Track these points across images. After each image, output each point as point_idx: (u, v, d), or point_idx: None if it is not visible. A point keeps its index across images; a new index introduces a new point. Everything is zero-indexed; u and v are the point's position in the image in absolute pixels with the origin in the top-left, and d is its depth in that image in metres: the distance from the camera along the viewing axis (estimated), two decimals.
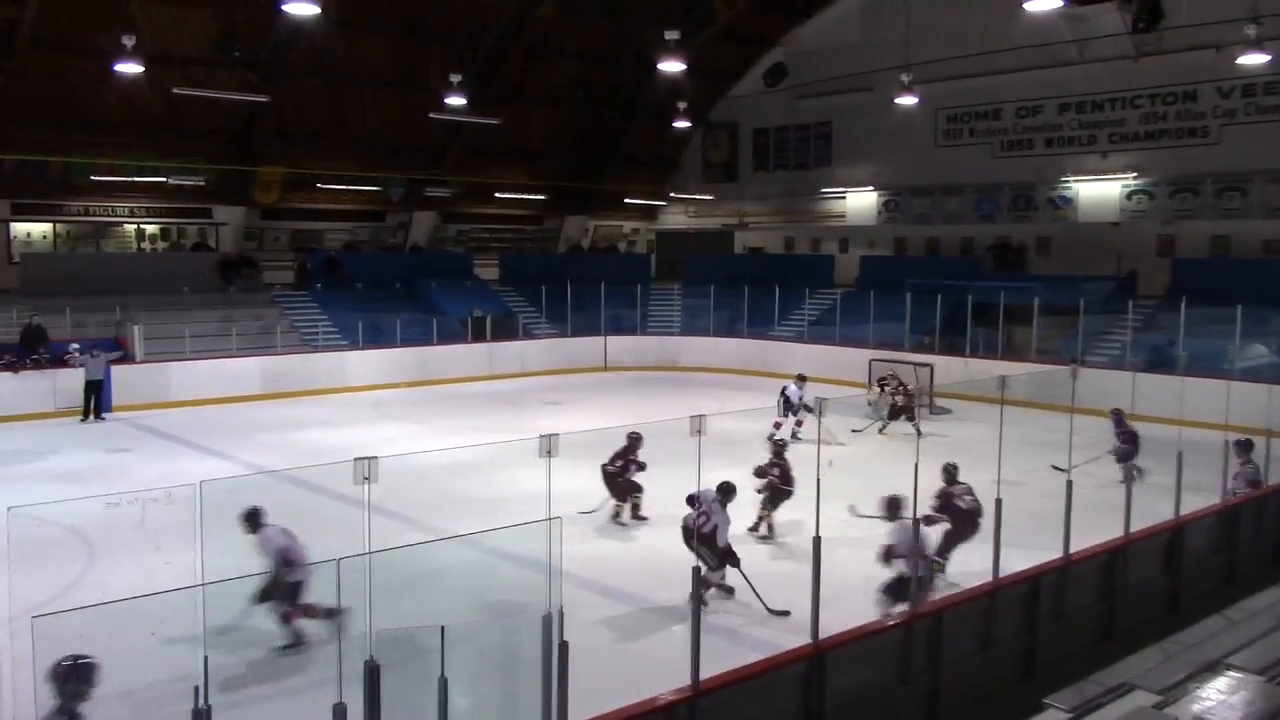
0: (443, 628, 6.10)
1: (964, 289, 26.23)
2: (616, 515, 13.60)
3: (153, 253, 31.34)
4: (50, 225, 30.11)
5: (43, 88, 25.67)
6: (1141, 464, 10.85)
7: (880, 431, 19.74)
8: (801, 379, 19.76)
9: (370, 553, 6.38)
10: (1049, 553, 9.65)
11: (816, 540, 7.44)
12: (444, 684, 5.95)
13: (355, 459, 6.24)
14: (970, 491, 10.89)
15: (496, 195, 35.27)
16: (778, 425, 18.60)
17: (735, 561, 10.12)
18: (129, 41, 20.95)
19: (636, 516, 13.63)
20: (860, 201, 33.21)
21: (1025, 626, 8.98)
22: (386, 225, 35.22)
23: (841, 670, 7.42)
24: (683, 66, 23.32)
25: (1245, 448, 12.44)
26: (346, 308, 27.91)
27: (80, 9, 24.13)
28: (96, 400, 21.06)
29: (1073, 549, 9.40)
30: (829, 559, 7.61)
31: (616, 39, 31.75)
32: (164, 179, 28.72)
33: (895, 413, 20.05)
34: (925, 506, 10.35)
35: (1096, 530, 9.99)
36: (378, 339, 26.84)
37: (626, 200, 38.16)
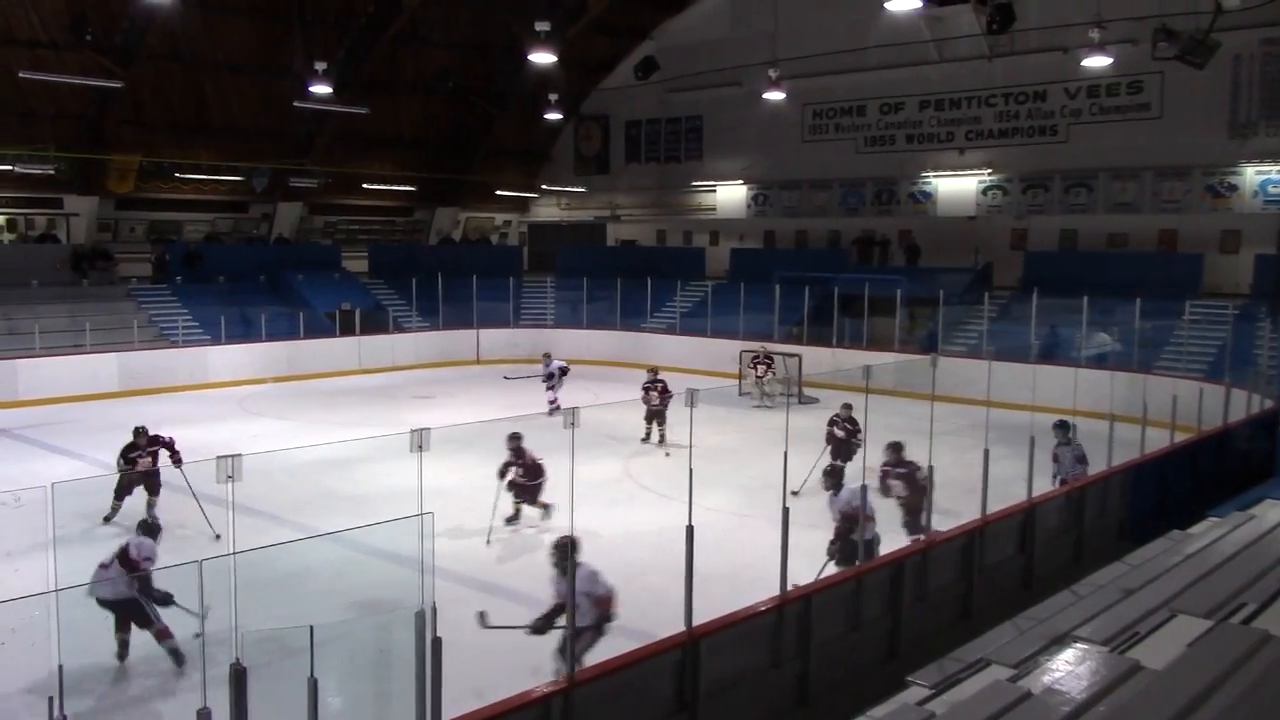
0: (311, 627, 5.98)
1: (830, 281, 26.91)
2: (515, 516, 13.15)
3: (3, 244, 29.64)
4: None
5: None
6: (997, 448, 11.30)
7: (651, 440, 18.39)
8: (548, 356, 21.79)
9: (235, 553, 6.21)
10: (912, 535, 10.02)
11: (690, 530, 7.55)
12: (314, 684, 5.84)
13: (218, 457, 6.06)
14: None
15: (364, 186, 34.53)
16: (552, 403, 20.42)
17: None
18: None
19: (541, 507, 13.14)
20: (730, 195, 33.71)
21: (890, 608, 9.30)
22: (250, 217, 34.10)
23: (714, 657, 7.56)
24: (553, 58, 23.26)
25: (1064, 428, 13.03)
26: (208, 301, 26.97)
27: None
28: None
29: (951, 528, 9.78)
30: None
31: (487, 29, 31.42)
32: (10, 167, 27.17)
33: (651, 415, 18.11)
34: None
35: (958, 513, 10.41)
36: (242, 334, 26.04)
37: (498, 192, 37.85)
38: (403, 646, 6.44)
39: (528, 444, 12.86)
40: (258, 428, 19.64)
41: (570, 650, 7.49)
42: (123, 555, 8.89)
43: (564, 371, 21.29)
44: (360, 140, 32.58)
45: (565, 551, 7.91)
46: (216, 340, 25.58)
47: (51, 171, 27.80)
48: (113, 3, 25.10)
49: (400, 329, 29.55)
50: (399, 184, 35.30)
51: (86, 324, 23.90)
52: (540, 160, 38.72)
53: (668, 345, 28.28)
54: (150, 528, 9.27)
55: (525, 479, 12.79)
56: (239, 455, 6.21)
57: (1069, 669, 5.64)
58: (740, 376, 23.54)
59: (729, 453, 16.65)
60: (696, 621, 7.49)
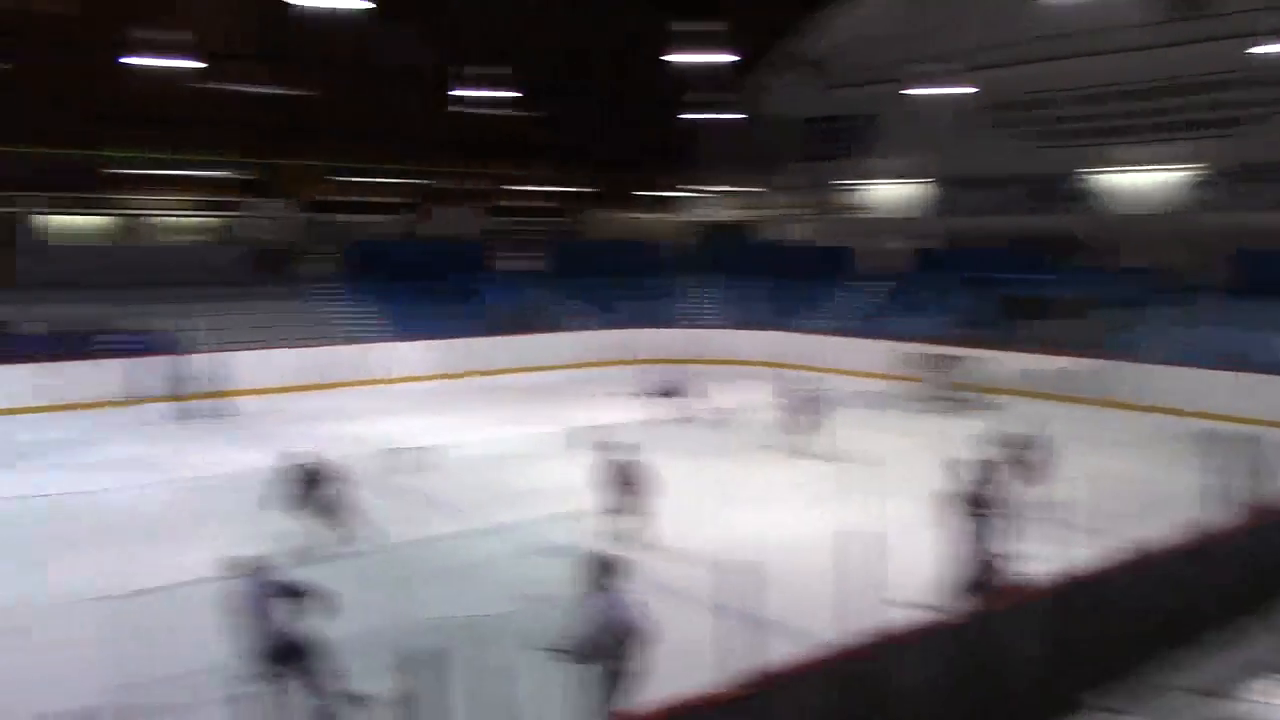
0: (488, 615, 6.02)
1: (1006, 281, 25.87)
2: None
3: (193, 245, 31.59)
4: (91, 218, 30.48)
5: (87, 81, 25.92)
6: (1195, 461, 10.47)
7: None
8: (657, 363, 20.98)
9: (413, 541, 6.31)
10: (1107, 550, 9.40)
11: (876, 536, 7.29)
12: (493, 671, 5.86)
13: (398, 449, 6.16)
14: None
15: (534, 188, 35.30)
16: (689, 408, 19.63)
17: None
18: (171, 36, 21.04)
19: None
20: (897, 193, 32.89)
21: (1078, 627, 8.77)
22: (426, 217, 35.31)
23: (891, 668, 7.27)
24: (712, 57, 23.10)
25: (1220, 439, 11.93)
26: (387, 300, 27.95)
27: (125, 3, 24.33)
28: (183, 394, 21.22)
29: (1133, 547, 9.19)
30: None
31: (648, 30, 31.57)
32: (204, 172, 28.96)
33: (796, 428, 17.30)
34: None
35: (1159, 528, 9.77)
36: (418, 331, 26.85)
37: (660, 193, 38.05)
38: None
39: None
40: (433, 423, 20.16)
41: (606, 688, 6.90)
42: (289, 590, 7.67)
43: (668, 393, 20.16)
44: (524, 143, 33.28)
45: (601, 570, 7.18)
46: (395, 337, 26.49)
47: (239, 176, 29.49)
48: (295, 15, 26.35)
49: (566, 328, 29.94)
50: (566, 185, 35.90)
51: (274, 321, 25.10)
52: (698, 161, 38.68)
53: (830, 347, 27.71)
54: (244, 562, 7.85)
55: (631, 488, 11.99)
56: (417, 448, 6.30)
57: (1266, 700, 5.16)
58: (908, 380, 22.89)
59: (896, 457, 16.18)
60: (868, 631, 7.23)
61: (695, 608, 10.20)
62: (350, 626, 8.57)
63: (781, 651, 7.12)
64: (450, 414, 21.46)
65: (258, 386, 23.11)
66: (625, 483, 11.84)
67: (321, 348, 25.23)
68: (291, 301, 27.11)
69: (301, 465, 11.51)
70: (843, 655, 7.18)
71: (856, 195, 34.22)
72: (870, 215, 33.92)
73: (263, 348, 24.30)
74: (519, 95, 29.11)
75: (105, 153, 27.69)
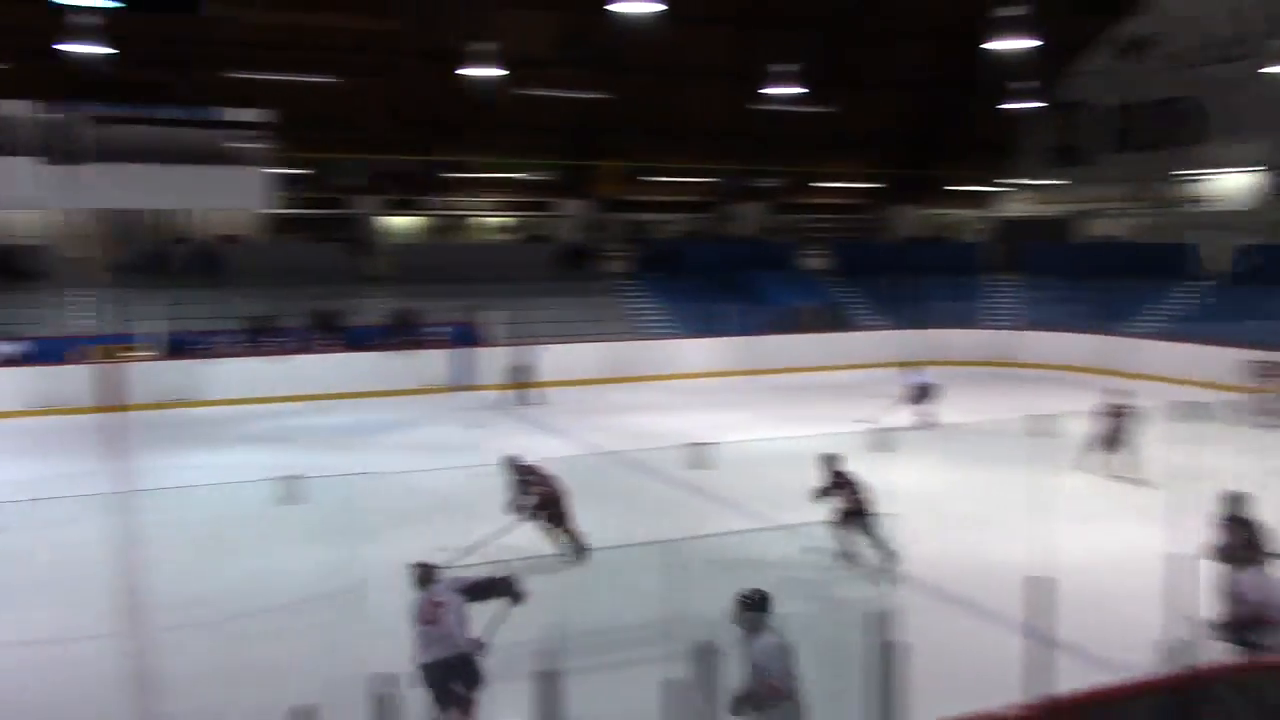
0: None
1: None
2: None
3: (504, 244, 33.77)
4: (417, 219, 33.30)
5: (413, 92, 28.27)
6: None
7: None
8: (916, 366, 19.99)
9: (702, 536, 6.42)
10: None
11: (1190, 560, 6.69)
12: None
13: (688, 444, 6.28)
14: None
15: (826, 185, 35.00)
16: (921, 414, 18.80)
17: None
18: (486, 46, 22.51)
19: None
20: (1234, 183, 29.92)
21: None
22: (718, 216, 35.87)
23: (1219, 706, 6.63)
24: (1029, 43, 21.93)
25: None
26: (680, 297, 28.62)
27: (441, 17, 26.34)
28: (497, 384, 22.71)
29: None
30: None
31: (957, 17, 30.40)
32: (515, 175, 30.89)
33: (1110, 442, 15.42)
34: None
35: None
36: (709, 328, 27.33)
37: (964, 187, 36.59)
38: (859, 646, 6.30)
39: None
40: (722, 419, 20.45)
41: None
42: (479, 587, 7.32)
43: (924, 392, 19.17)
44: (824, 139, 33.00)
45: (753, 607, 6.49)
46: (687, 333, 27.10)
47: (549, 178, 31.22)
48: (596, 20, 27.46)
49: (860, 327, 29.45)
50: (861, 181, 35.33)
51: (575, 316, 26.38)
52: (1007, 153, 36.80)
53: (1154, 352, 25.54)
54: (428, 566, 7.47)
55: (858, 504, 11.03)
56: (706, 444, 6.40)
57: None
58: (1241, 390, 20.79)
59: (1222, 475, 14.71)
60: (1175, 663, 6.62)
61: (983, 624, 9.80)
62: (625, 617, 8.85)
63: (1077, 677, 6.70)
64: (740, 410, 21.68)
65: (560, 378, 24.32)
66: (850, 490, 11.10)
67: (619, 343, 26.20)
68: (593, 298, 28.30)
69: (520, 464, 11.67)
70: (1147, 687, 6.65)
71: (1182, 187, 31.39)
72: (1197, 208, 31.00)
73: (566, 341, 25.52)
74: (818, 90, 28.86)
75: (428, 157, 30.15)
